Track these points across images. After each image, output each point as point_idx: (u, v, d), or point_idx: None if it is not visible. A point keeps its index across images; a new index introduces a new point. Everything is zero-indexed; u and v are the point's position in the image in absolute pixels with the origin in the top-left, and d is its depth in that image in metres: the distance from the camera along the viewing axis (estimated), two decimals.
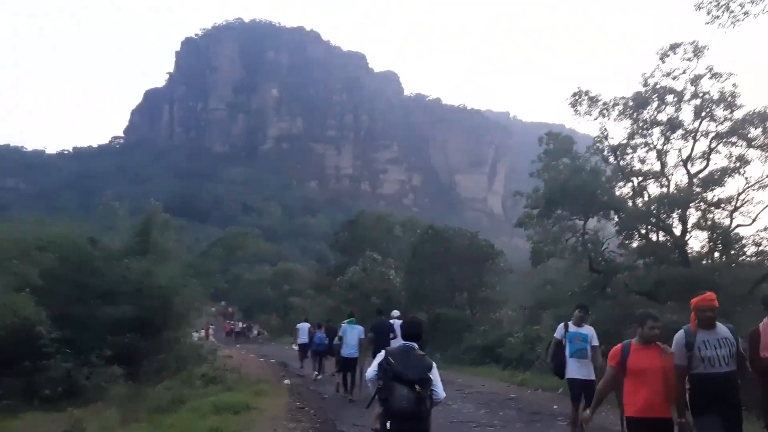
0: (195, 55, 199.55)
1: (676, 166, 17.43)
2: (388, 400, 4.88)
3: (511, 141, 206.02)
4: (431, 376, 5.01)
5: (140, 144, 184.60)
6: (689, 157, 16.92)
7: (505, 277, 30.57)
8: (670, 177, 17.44)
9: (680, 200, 15.52)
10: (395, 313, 15.73)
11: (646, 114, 17.33)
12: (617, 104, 17.85)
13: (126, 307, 14.38)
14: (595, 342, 8.55)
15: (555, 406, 11.97)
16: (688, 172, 16.92)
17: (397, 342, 15.84)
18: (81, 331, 13.96)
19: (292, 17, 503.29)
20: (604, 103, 17.68)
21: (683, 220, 16.23)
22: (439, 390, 5.05)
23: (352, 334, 13.73)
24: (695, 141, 16.77)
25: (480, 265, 28.75)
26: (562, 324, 8.85)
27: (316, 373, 17.82)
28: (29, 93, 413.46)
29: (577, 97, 17.84)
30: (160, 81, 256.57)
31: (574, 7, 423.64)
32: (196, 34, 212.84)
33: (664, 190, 17.16)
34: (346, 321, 14.52)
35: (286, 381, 16.73)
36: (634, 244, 17.33)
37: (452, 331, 25.50)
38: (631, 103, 17.52)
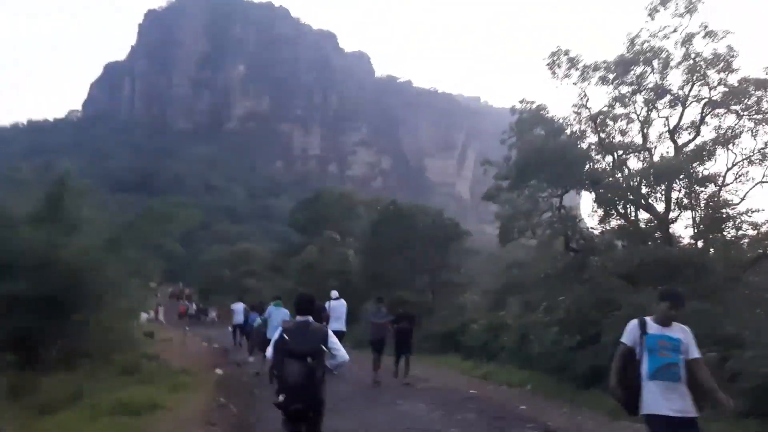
0: (159, 28, 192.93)
1: (660, 138, 15.79)
2: (280, 375, 5.28)
3: (482, 126, 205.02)
4: (326, 346, 5.36)
5: (99, 119, 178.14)
6: (677, 127, 15.25)
7: (470, 260, 28.85)
8: (653, 150, 15.81)
9: (665, 173, 13.86)
10: (334, 293, 15.98)
11: (630, 78, 15.59)
12: (598, 68, 16.08)
13: (22, 284, 12.13)
14: (695, 353, 5.05)
15: (522, 407, 10.27)
16: (675, 143, 15.27)
17: (338, 318, 15.46)
18: None
19: None
20: (585, 66, 15.90)
21: (668, 197, 14.60)
22: (341, 353, 5.53)
23: (277, 316, 13.67)
24: (684, 108, 15.11)
25: (444, 245, 26.90)
26: (635, 322, 5.26)
27: (249, 354, 17.81)
28: None
29: (555, 58, 16.01)
30: (121, 54, 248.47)
31: None
32: (160, 6, 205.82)
33: (646, 164, 15.54)
34: (272, 303, 14.72)
35: (218, 370, 14.73)
36: (612, 223, 15.68)
37: None
38: (613, 67, 15.76)
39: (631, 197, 14.80)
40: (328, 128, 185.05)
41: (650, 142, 16.40)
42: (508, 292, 21.38)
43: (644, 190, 14.82)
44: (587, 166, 15.51)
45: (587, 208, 17.40)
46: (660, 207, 15.16)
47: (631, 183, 15.13)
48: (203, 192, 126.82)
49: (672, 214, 15.07)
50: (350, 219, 39.34)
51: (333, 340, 5.46)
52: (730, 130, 14.67)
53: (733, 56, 14.40)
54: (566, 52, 15.96)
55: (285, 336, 5.30)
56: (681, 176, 14.38)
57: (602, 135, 16.56)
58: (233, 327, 23.69)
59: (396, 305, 16.93)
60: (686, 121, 15.39)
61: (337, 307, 15.65)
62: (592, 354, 10.83)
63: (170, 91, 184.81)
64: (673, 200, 14.87)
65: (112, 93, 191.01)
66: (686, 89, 15.12)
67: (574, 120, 16.42)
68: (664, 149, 16.12)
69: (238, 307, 22.66)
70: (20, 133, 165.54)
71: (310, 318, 5.56)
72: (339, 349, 5.50)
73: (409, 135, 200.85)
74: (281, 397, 5.17)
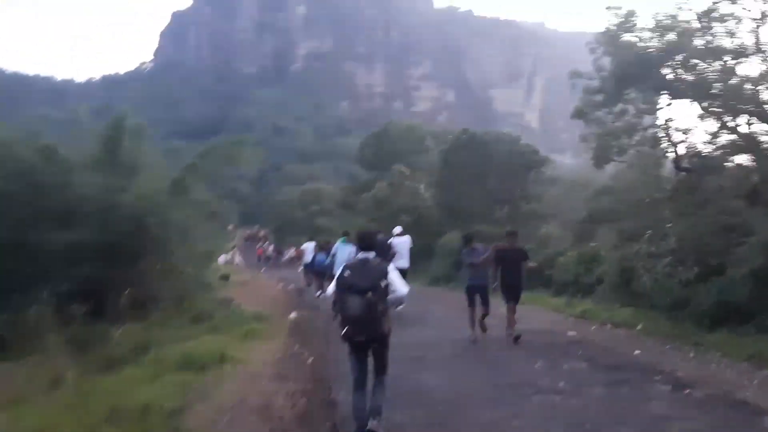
0: None
1: None
2: (342, 309, 5.51)
3: (549, 52, 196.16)
4: (385, 281, 5.47)
5: (169, 68, 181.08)
6: None
7: (550, 190, 26.97)
8: None
9: None
10: (397, 229, 15.63)
11: None
12: None
13: (85, 231, 11.56)
14: None
15: (636, 352, 8.87)
16: None
17: (400, 254, 14.45)
18: (32, 262, 11.29)
19: None
20: None
21: None
22: (399, 288, 5.61)
23: (342, 253, 13.47)
24: None
25: (523, 174, 25.10)
26: None
27: (320, 291, 17.46)
28: (57, 23, 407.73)
29: None
30: (188, 1, 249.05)
31: None
32: None
33: (763, 68, 13.28)
34: (339, 240, 14.69)
35: (293, 314, 13.97)
36: (722, 138, 13.60)
37: None
38: None
39: (750, 107, 12.67)
40: (391, 64, 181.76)
41: (764, 44, 14.03)
42: (596, 221, 19.64)
43: (765, 96, 12.61)
44: (699, 66, 13.29)
45: (688, 121, 15.11)
46: None
47: (748, 90, 12.93)
48: (272, 134, 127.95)
49: None
50: (419, 153, 37.86)
51: (393, 275, 5.59)
52: None
53: None
54: None
55: (346, 272, 5.52)
56: None
57: (707, 39, 14.29)
58: (303, 268, 23.56)
59: (501, 237, 13.70)
60: None
61: (401, 243, 15.05)
62: (716, 288, 9.25)
63: (234, 36, 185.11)
64: None
65: (179, 42, 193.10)
66: None
67: (673, 21, 14.10)
68: None
69: (309, 246, 22.07)
70: (94, 88, 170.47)
71: (372, 254, 5.73)
72: (396, 284, 5.58)
73: (473, 66, 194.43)
74: (346, 329, 5.45)
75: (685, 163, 13.98)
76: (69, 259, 11.59)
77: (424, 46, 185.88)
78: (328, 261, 15.29)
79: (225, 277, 23.65)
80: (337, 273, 5.65)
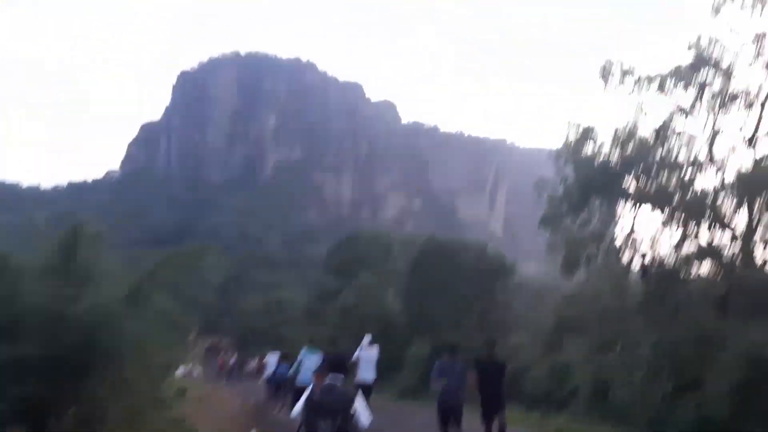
0: (192, 87, 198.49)
1: (732, 151, 13.99)
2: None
3: (511, 163, 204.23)
4: (354, 408, 5.53)
5: (137, 176, 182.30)
6: (754, 136, 13.49)
7: (518, 296, 26.82)
8: (725, 164, 13.98)
9: (751, 183, 12.01)
10: (366, 338, 14.77)
11: (692, 87, 13.93)
12: (653, 80, 14.49)
13: (30, 345, 10.81)
14: None
15: None
16: (754, 151, 13.46)
17: (367, 367, 13.92)
18: None
19: (288, 50, 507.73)
20: (639, 78, 14.31)
21: (750, 213, 12.73)
22: (363, 419, 5.60)
23: (310, 361, 13.31)
24: (763, 110, 13.36)
25: (491, 282, 24.98)
26: None
27: (280, 405, 17.11)
28: (26, 130, 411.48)
29: (607, 68, 14.47)
30: (156, 115, 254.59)
31: (569, 34, 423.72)
32: (192, 68, 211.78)
33: (716, 182, 13.73)
34: (305, 348, 14.57)
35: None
36: (685, 249, 13.77)
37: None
38: (673, 77, 14.14)
39: (711, 215, 12.94)
40: (359, 174, 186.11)
41: (717, 157, 14.63)
42: (565, 329, 19.37)
43: (727, 205, 12.94)
44: (653, 184, 13.72)
45: (653, 228, 15.26)
46: (741, 226, 13.29)
47: (709, 200, 13.28)
48: (239, 242, 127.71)
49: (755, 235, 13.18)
50: (387, 260, 37.75)
51: (358, 403, 5.63)
52: None
53: None
54: (620, 63, 14.40)
55: (315, 394, 5.62)
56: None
57: (663, 153, 14.85)
58: (266, 381, 22.65)
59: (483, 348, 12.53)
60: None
61: (369, 354, 14.29)
62: (695, 404, 8.90)
63: (205, 145, 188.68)
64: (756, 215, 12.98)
65: (148, 151, 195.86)
66: (764, 89, 13.36)
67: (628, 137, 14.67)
68: (736, 163, 14.31)
69: (273, 357, 21.72)
70: (61, 195, 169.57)
71: (341, 377, 5.81)
72: (361, 414, 5.61)
73: (438, 176, 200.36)
74: None
75: (652, 272, 14.04)
76: (9, 376, 10.76)
77: (391, 157, 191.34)
78: (292, 370, 14.81)
79: (181, 392, 22.41)
80: (305, 395, 5.77)
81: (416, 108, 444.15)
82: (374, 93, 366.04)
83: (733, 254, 13.03)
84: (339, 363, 6.02)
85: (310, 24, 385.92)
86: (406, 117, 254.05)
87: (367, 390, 13.72)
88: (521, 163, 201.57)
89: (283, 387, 17.09)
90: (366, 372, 13.73)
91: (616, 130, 14.69)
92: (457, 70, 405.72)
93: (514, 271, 26.32)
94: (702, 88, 13.89)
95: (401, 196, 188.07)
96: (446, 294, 24.81)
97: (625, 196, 13.72)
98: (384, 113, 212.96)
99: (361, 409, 5.60)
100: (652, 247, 14.27)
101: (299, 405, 5.74)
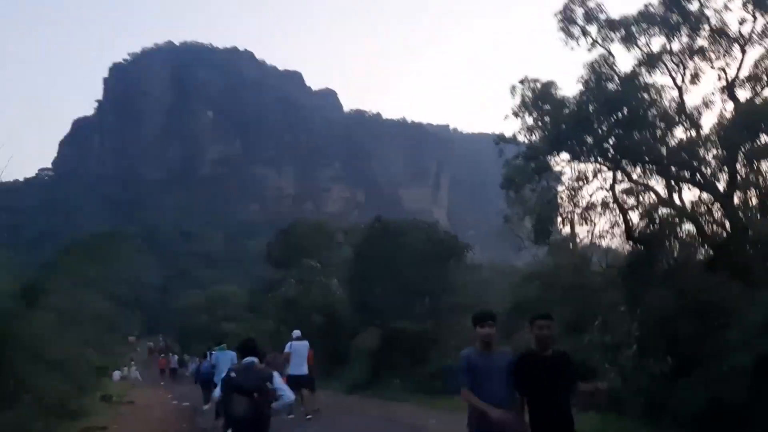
0: (124, 80, 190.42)
1: (706, 104, 12.71)
2: (228, 410, 5.73)
3: (453, 153, 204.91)
4: (270, 384, 5.83)
5: (71, 175, 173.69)
6: (734, 79, 12.24)
7: (471, 278, 25.34)
8: (700, 115, 12.69)
9: (730, 139, 10.75)
10: (295, 333, 15.02)
11: (663, 31, 12.57)
12: (617, 27, 13.07)
13: None
14: None
15: None
16: (734, 100, 12.23)
17: (299, 361, 14.12)
18: None
19: (224, 38, 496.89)
20: (605, 21, 12.86)
21: (731, 172, 11.50)
22: (286, 393, 6.00)
23: (225, 360, 13.60)
24: (744, 53, 12.14)
25: (442, 264, 23.34)
26: None
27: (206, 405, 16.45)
28: None
29: (568, 11, 12.96)
30: (89, 109, 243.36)
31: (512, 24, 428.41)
32: (124, 59, 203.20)
33: (692, 133, 12.46)
34: (216, 348, 14.96)
35: None
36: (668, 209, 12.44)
37: (412, 350, 20.43)
38: (641, 22, 12.72)
39: (686, 174, 11.62)
40: (300, 167, 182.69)
41: (693, 107, 13.29)
42: (527, 310, 17.97)
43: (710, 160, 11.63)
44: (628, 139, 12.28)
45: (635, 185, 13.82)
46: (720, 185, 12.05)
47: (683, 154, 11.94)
48: (179, 240, 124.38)
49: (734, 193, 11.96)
50: (330, 249, 35.96)
51: (278, 380, 5.96)
52: None
53: None
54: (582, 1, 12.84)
55: (232, 374, 5.84)
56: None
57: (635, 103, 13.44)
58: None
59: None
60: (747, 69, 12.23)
61: (299, 348, 14.51)
62: (701, 384, 7.43)
63: (139, 143, 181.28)
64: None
65: (81, 149, 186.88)
66: (748, 24, 11.97)
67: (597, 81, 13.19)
68: (715, 114, 13.04)
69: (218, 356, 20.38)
70: None
71: (255, 359, 6.03)
72: (284, 390, 5.95)
73: (381, 167, 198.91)
74: (230, 431, 5.66)
75: (638, 233, 12.62)
76: None
77: (333, 149, 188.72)
78: (210, 370, 15.42)
79: (107, 398, 20.39)
80: (223, 375, 5.99)
81: (358, 94, 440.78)
82: (315, 81, 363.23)
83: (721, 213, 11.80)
84: (251, 347, 6.16)
85: (246, 11, 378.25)
86: (348, 104, 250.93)
87: (307, 382, 14.09)
88: (464, 149, 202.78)
89: (207, 384, 16.70)
90: (297, 366, 14.00)
91: (586, 80, 13.18)
92: (399, 51, 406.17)
93: (468, 249, 24.80)
94: (674, 29, 12.57)
95: (344, 188, 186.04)
96: (394, 279, 23.16)
97: (601, 150, 12.29)
98: (325, 102, 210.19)
99: (283, 385, 5.97)
100: (640, 202, 12.94)
101: (219, 386, 5.95)
